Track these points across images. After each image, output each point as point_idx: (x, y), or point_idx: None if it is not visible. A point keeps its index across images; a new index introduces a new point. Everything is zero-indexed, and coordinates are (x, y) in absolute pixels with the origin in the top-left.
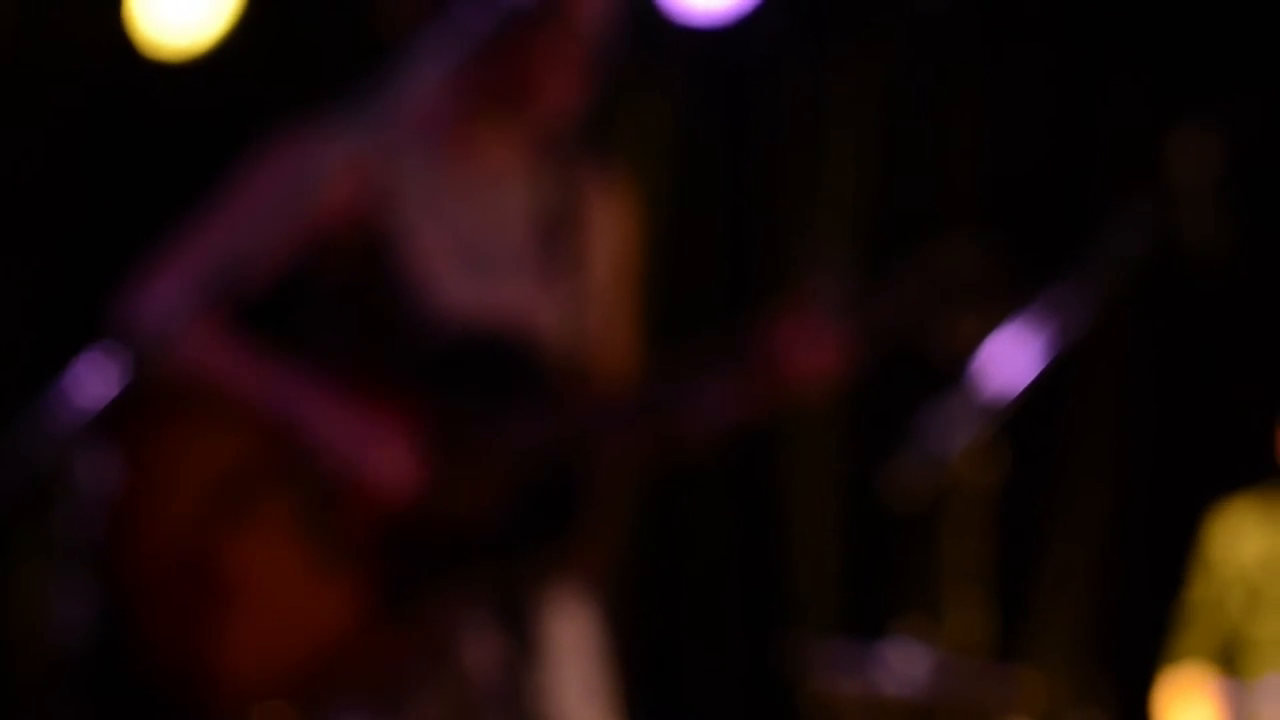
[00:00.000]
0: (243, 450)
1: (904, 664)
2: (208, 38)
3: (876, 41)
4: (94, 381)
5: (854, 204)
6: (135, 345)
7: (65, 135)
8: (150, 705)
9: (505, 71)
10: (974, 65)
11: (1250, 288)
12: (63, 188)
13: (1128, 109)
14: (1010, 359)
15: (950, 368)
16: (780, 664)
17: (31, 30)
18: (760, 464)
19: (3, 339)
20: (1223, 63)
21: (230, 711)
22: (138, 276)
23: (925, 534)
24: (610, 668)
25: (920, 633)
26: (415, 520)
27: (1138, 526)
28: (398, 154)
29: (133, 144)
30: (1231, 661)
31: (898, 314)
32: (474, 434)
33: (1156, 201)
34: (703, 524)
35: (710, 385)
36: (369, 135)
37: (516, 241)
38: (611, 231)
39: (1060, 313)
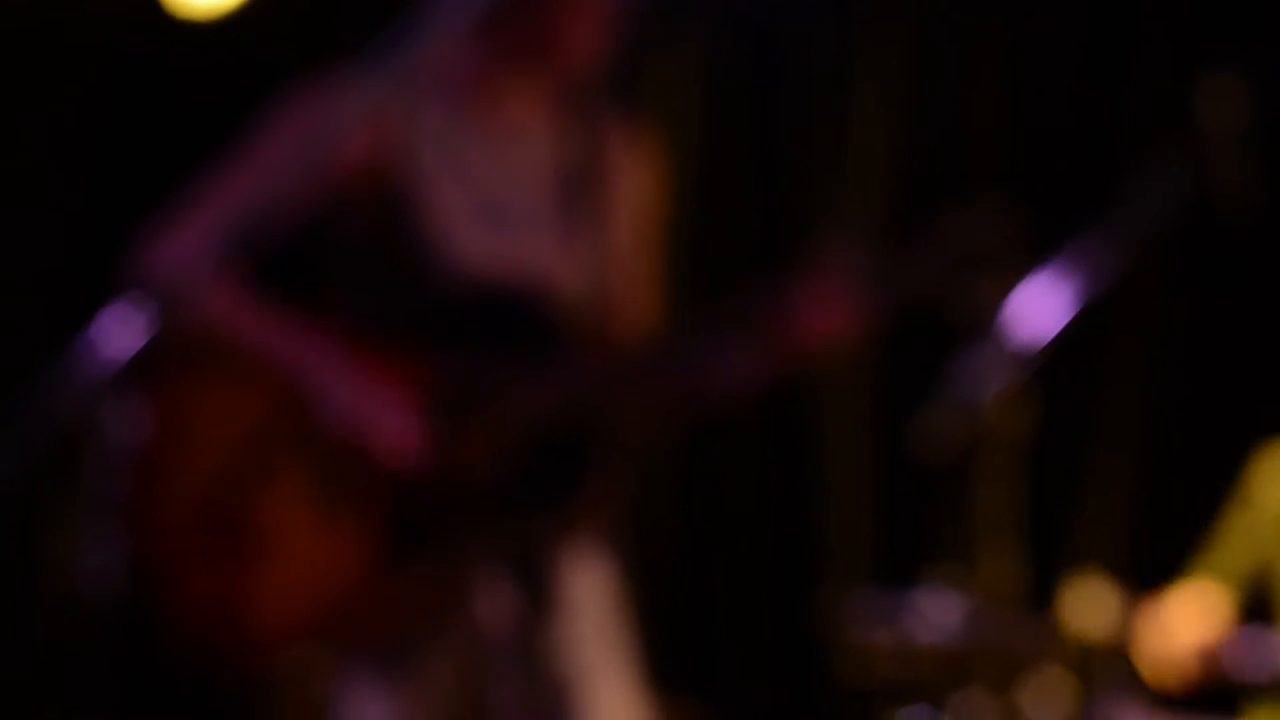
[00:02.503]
0: (264, 405)
1: (937, 613)
2: None
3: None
4: (120, 334)
5: (881, 162)
6: (156, 297)
7: (91, 92)
8: (178, 655)
9: (527, 22)
10: (1001, 14)
11: None
12: (88, 144)
13: (1156, 57)
14: (1041, 306)
15: (971, 331)
16: (813, 614)
17: None
18: (791, 415)
19: (30, 293)
20: (1251, 9)
21: (254, 662)
22: (158, 229)
23: (957, 483)
24: (628, 622)
25: (953, 581)
26: (429, 476)
27: (1170, 473)
28: (417, 109)
29: (157, 101)
30: (1260, 594)
31: (918, 282)
32: (488, 390)
33: (1185, 150)
34: (734, 475)
35: (727, 345)
36: (388, 90)
37: (537, 196)
38: (635, 187)
39: (1091, 260)
